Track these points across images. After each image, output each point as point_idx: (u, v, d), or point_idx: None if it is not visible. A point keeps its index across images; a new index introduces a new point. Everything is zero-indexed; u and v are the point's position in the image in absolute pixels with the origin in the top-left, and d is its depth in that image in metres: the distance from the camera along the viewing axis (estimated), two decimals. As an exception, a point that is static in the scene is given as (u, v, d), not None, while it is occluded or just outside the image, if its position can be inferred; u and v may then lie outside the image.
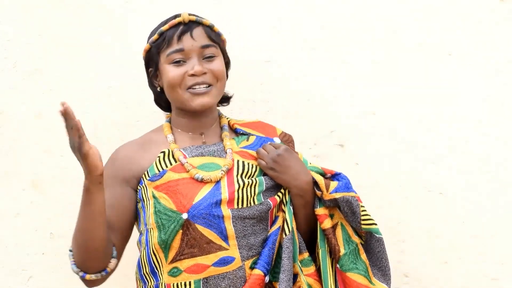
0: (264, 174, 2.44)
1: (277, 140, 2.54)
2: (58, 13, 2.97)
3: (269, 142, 2.49)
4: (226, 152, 2.44)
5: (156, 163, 2.42)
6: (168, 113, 2.59)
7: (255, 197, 2.38)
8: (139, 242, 2.43)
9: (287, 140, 2.57)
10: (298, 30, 2.98)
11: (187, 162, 2.40)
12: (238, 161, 2.43)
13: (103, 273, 2.37)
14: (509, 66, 2.95)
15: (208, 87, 2.44)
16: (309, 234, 2.47)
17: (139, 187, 2.42)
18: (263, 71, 2.97)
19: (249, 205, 2.36)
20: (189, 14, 2.46)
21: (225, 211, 2.34)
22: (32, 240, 2.92)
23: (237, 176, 2.40)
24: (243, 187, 2.37)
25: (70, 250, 2.37)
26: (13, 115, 2.94)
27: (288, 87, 2.97)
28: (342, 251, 2.41)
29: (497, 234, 2.91)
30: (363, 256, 2.43)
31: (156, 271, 2.37)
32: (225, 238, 2.33)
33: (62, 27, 2.96)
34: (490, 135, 2.94)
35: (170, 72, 2.43)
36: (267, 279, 2.35)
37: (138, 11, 2.97)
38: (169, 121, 2.55)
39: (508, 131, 2.94)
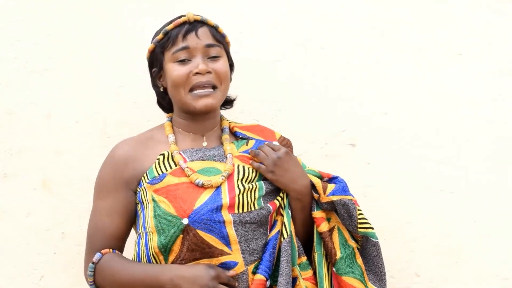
0: (264, 179, 2.42)
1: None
2: (68, 13, 2.96)
3: (266, 143, 2.45)
4: (226, 157, 2.42)
5: (155, 166, 2.39)
6: (170, 113, 2.56)
7: (255, 202, 2.36)
8: (138, 244, 2.40)
9: (286, 144, 2.54)
10: (308, 30, 2.97)
11: (187, 167, 2.37)
12: (238, 166, 2.41)
13: None
14: (520, 67, 2.95)
15: (212, 89, 2.41)
16: (306, 238, 2.46)
17: (138, 189, 2.40)
18: (274, 70, 2.96)
19: (249, 209, 2.35)
20: (194, 14, 2.45)
21: (226, 216, 2.31)
22: (43, 240, 2.92)
23: (237, 181, 2.38)
24: (243, 192, 2.35)
25: (91, 271, 2.37)
26: (23, 115, 2.93)
27: (299, 86, 2.96)
28: (339, 255, 2.41)
29: (508, 233, 2.91)
30: (359, 260, 2.43)
31: None
32: (228, 243, 2.31)
33: (71, 27, 2.95)
34: (500, 135, 2.93)
35: (174, 70, 2.41)
36: (268, 283, 2.34)
37: (148, 10, 2.96)
38: (171, 120, 2.52)
39: (519, 130, 2.94)
